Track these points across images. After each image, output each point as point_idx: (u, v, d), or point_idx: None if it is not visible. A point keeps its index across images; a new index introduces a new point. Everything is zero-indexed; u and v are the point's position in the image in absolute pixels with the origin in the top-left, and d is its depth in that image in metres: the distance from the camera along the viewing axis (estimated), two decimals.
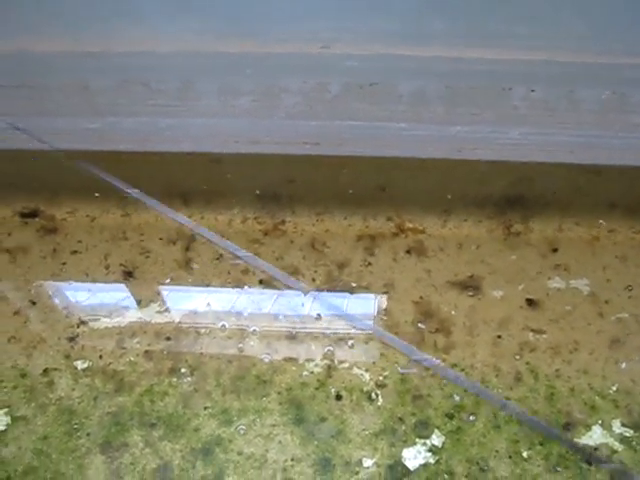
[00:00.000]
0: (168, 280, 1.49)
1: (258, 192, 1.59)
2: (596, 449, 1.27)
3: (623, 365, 1.37)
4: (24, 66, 1.41)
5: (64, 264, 1.52)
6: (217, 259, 1.51)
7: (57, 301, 1.47)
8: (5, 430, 1.30)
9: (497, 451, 1.27)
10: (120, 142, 1.50)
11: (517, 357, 1.38)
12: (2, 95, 1.46)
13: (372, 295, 1.47)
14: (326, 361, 1.37)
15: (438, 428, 1.30)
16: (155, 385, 1.35)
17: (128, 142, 1.51)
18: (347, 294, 1.46)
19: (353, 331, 1.41)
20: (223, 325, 1.42)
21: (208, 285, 1.48)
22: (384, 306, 1.45)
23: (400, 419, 1.31)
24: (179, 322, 1.43)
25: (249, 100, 1.40)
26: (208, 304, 1.45)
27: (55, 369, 1.37)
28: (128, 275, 1.50)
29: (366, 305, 1.45)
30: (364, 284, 1.48)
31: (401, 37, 1.28)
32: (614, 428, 1.30)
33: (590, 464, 1.25)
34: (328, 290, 1.47)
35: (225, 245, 1.50)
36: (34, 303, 1.46)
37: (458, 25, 1.25)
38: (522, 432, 1.29)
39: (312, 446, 1.28)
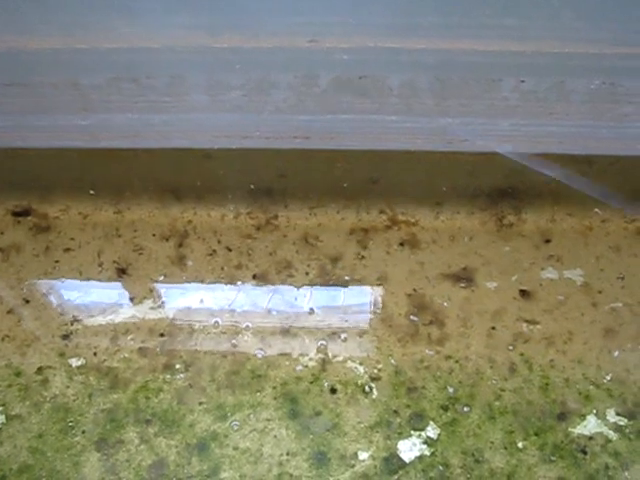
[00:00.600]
0: (161, 277, 1.49)
1: (250, 187, 1.59)
2: (591, 438, 1.28)
3: (617, 354, 1.37)
4: (14, 64, 1.41)
5: (57, 262, 1.52)
6: (210, 255, 1.51)
7: (50, 299, 1.47)
8: (0, 429, 1.30)
9: (492, 442, 1.28)
10: (112, 139, 1.50)
11: (511, 348, 1.38)
12: None
13: (366, 288, 1.47)
14: (320, 355, 1.37)
15: (433, 420, 1.30)
16: (150, 381, 1.35)
17: (119, 139, 1.50)
18: (341, 288, 1.47)
19: (347, 325, 1.42)
20: (217, 321, 1.42)
21: (202, 281, 1.48)
22: (378, 299, 1.45)
23: (395, 412, 1.31)
24: (173, 318, 1.43)
25: (239, 95, 1.40)
26: (202, 300, 1.45)
27: (49, 367, 1.37)
28: (121, 272, 1.50)
29: (360, 298, 1.45)
30: (357, 277, 1.48)
31: (390, 29, 1.27)
32: (608, 417, 1.30)
33: (585, 453, 1.26)
34: (321, 284, 1.47)
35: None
36: (27, 301, 1.46)
37: (446, 17, 1.24)
38: (517, 423, 1.29)
39: (307, 440, 1.28)
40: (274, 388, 1.34)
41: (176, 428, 1.29)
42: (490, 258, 1.50)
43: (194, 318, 1.43)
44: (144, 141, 1.50)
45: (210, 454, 1.27)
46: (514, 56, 1.30)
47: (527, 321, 1.41)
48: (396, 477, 1.24)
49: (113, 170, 1.59)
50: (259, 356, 1.37)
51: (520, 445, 1.27)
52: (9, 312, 1.44)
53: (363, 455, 1.26)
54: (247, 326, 1.41)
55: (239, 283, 1.48)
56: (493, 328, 1.40)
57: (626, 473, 1.24)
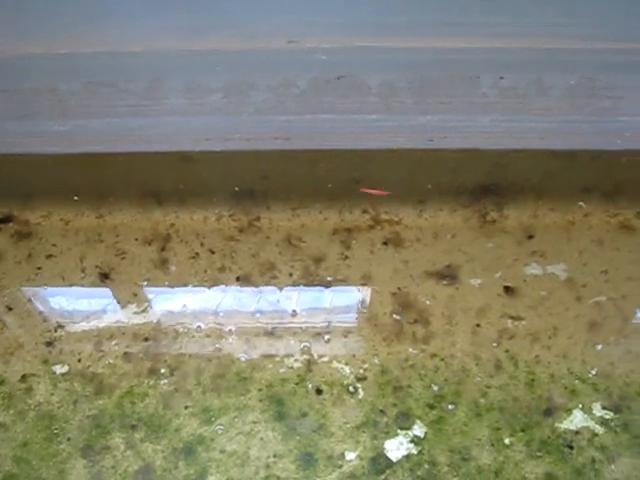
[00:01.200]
0: (145, 281, 1.48)
1: (232, 189, 1.58)
2: (577, 433, 1.28)
3: (601, 348, 1.38)
4: None
5: (39, 268, 1.51)
6: (193, 257, 1.51)
7: (33, 306, 1.46)
8: None
9: (479, 439, 1.28)
10: (90, 144, 1.49)
11: (496, 345, 1.38)
12: None
13: (350, 288, 1.47)
14: (305, 356, 1.37)
15: (419, 419, 1.30)
16: (135, 386, 1.34)
17: (99, 143, 1.49)
18: (325, 288, 1.46)
19: (332, 325, 1.41)
20: (201, 324, 1.42)
21: (185, 284, 1.48)
22: (362, 299, 1.45)
23: (381, 411, 1.31)
24: (157, 322, 1.42)
25: (219, 97, 1.39)
26: (185, 304, 1.45)
27: (33, 374, 1.36)
28: (104, 277, 1.49)
29: (344, 298, 1.45)
30: (341, 277, 1.48)
31: (368, 29, 1.28)
32: (594, 411, 1.30)
33: (572, 448, 1.26)
34: (306, 285, 1.46)
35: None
36: (10, 309, 1.45)
37: (424, 16, 1.25)
38: (503, 419, 1.29)
39: (294, 441, 1.28)
40: (260, 390, 1.33)
41: (162, 433, 1.29)
42: (473, 255, 1.50)
43: (178, 322, 1.42)
44: (124, 145, 1.49)
45: (197, 458, 1.26)
46: (492, 53, 1.30)
47: (512, 317, 1.41)
48: (384, 477, 1.24)
49: (94, 175, 1.58)
50: (244, 359, 1.37)
51: (507, 441, 1.27)
52: None
53: (350, 455, 1.26)
54: (231, 329, 1.41)
55: (223, 286, 1.47)
56: (478, 325, 1.40)
57: (612, 466, 1.24)
